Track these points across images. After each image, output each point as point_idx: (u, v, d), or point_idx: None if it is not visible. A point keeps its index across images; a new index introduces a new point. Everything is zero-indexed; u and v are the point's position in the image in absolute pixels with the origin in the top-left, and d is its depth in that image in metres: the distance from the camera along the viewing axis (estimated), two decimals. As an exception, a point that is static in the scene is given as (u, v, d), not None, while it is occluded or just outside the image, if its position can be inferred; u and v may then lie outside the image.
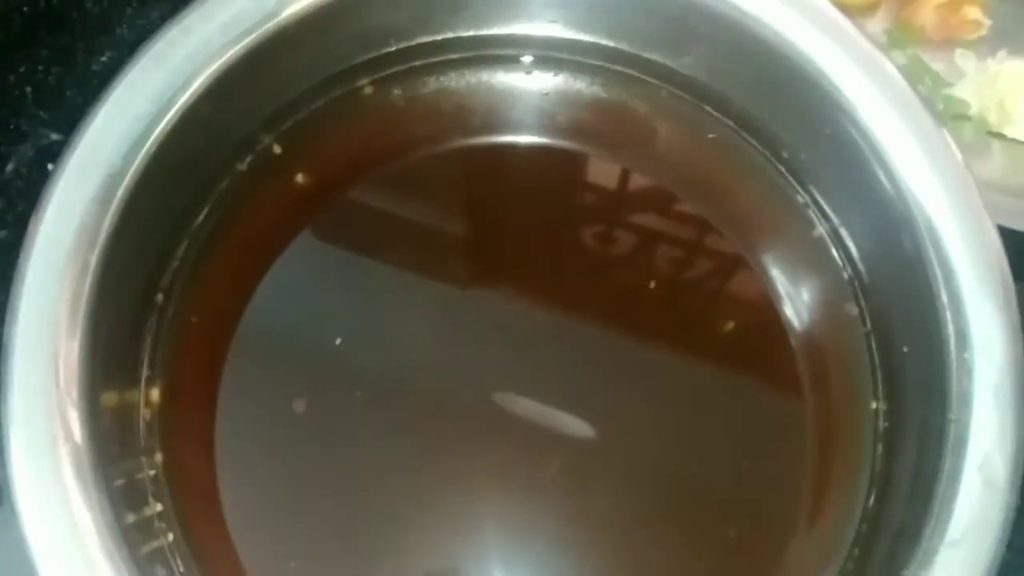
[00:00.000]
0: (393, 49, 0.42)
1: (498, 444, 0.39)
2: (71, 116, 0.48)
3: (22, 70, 0.50)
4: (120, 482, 0.34)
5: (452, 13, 0.41)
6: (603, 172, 0.44)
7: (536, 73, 0.43)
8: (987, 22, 0.52)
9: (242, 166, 0.41)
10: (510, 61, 0.43)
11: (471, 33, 0.42)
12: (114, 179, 0.34)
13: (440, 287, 0.42)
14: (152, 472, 0.37)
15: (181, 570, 0.36)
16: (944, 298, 0.34)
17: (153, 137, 0.35)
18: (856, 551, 0.37)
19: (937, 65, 0.51)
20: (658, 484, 0.39)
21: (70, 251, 0.33)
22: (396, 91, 0.43)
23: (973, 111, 0.50)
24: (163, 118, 0.35)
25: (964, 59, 0.52)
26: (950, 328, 0.34)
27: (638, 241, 0.43)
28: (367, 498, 0.38)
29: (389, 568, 0.37)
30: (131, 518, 0.34)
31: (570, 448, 0.39)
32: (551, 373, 0.40)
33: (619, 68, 0.43)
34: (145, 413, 0.38)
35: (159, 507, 0.37)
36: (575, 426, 0.39)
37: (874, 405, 0.39)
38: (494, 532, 0.38)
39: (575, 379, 0.40)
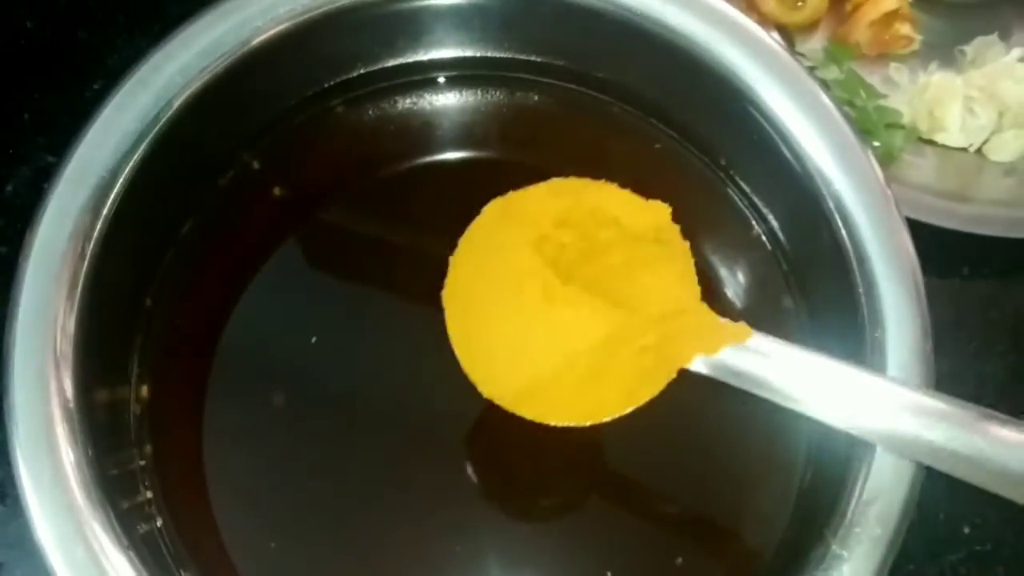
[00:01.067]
0: (362, 72, 0.46)
1: (464, 439, 0.42)
2: (66, 140, 0.51)
3: (20, 98, 0.53)
4: (114, 472, 0.37)
5: (414, 39, 0.45)
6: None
7: (493, 92, 0.47)
8: (918, 38, 0.55)
9: (223, 181, 0.44)
10: (470, 81, 0.47)
11: (432, 56, 0.46)
12: (104, 190, 0.37)
13: (407, 293, 0.44)
14: (142, 463, 0.40)
15: (171, 551, 0.39)
16: (859, 284, 0.38)
17: (139, 152, 0.38)
18: (796, 519, 0.40)
19: (872, 78, 0.55)
20: (632, 480, 0.42)
21: (64, 255, 0.36)
22: (367, 110, 0.47)
23: (906, 120, 0.54)
24: (148, 135, 0.38)
25: (897, 72, 0.55)
26: (865, 310, 0.38)
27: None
28: (342, 484, 0.41)
29: (364, 546, 0.40)
30: (125, 504, 0.37)
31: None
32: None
33: (572, 86, 0.47)
34: (135, 408, 0.41)
35: (149, 494, 0.40)
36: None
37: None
38: (464, 513, 0.41)
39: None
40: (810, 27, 0.56)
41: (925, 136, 0.54)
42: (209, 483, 0.40)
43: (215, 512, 0.40)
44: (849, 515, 0.35)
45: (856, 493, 0.35)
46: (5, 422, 0.35)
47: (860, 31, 0.55)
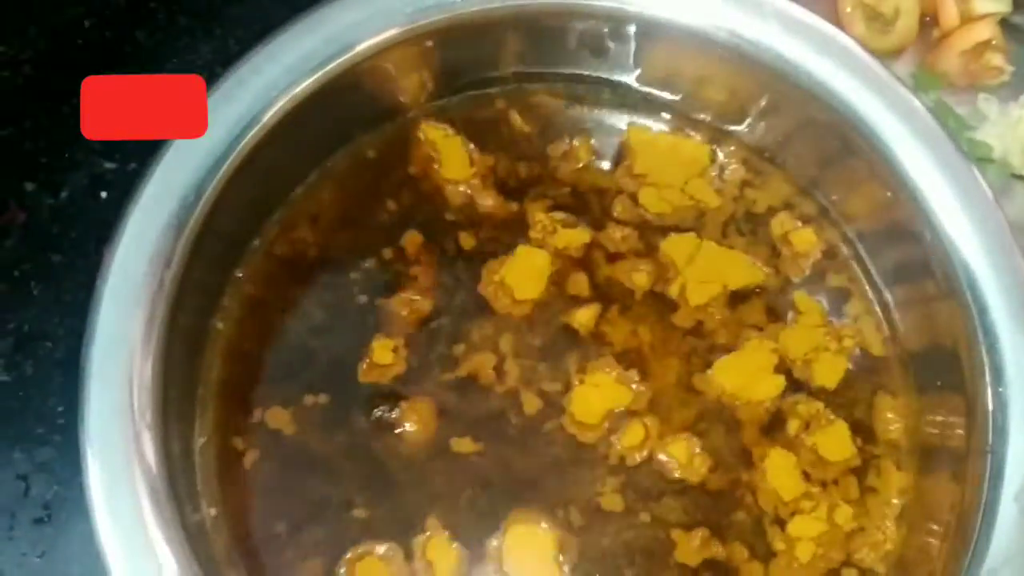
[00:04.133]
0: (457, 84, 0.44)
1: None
2: (123, 146, 0.49)
3: (76, 101, 0.51)
4: (183, 492, 0.36)
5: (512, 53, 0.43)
6: (675, 204, 0.45)
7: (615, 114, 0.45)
8: (1009, 68, 0.53)
9: (293, 197, 0.42)
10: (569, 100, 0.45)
11: (543, 70, 0.44)
12: (186, 210, 0.36)
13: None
14: (213, 512, 0.38)
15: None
16: (980, 335, 0.36)
17: (222, 171, 0.36)
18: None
19: (961, 109, 0.53)
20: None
21: (145, 277, 0.34)
22: (450, 129, 0.44)
23: (996, 154, 0.51)
24: (232, 153, 0.37)
25: (987, 104, 0.53)
26: (985, 363, 0.36)
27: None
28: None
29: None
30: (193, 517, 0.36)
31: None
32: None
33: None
34: (200, 438, 0.39)
35: (213, 511, 0.38)
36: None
37: (909, 436, 0.40)
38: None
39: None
40: (896, 53, 0.54)
41: (1017, 172, 0.51)
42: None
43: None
44: (976, 583, 0.33)
45: (979, 560, 0.33)
46: (80, 453, 0.33)
47: (950, 60, 0.53)
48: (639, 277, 0.43)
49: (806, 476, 0.40)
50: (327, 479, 0.39)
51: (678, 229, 0.43)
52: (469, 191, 0.43)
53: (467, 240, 0.43)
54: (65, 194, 0.50)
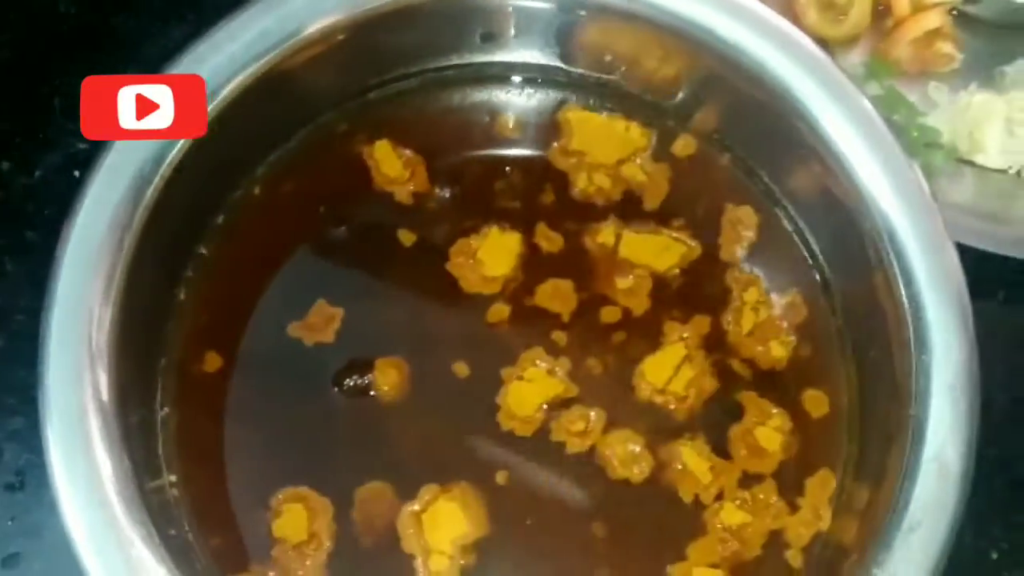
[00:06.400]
0: (403, 72, 0.45)
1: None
2: (96, 127, 0.51)
3: (51, 83, 0.53)
4: (141, 454, 0.37)
5: (459, 37, 0.44)
6: (605, 187, 0.45)
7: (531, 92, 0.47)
8: (959, 56, 0.55)
9: (258, 175, 0.44)
10: (506, 82, 0.47)
11: (483, 59, 0.45)
12: (143, 181, 0.37)
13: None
14: (173, 478, 0.40)
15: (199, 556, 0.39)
16: (905, 305, 0.37)
17: (180, 143, 0.38)
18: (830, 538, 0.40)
19: (912, 96, 0.54)
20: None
21: (103, 244, 0.36)
22: (405, 109, 0.46)
23: (945, 139, 0.53)
24: (190, 127, 0.38)
25: (937, 91, 0.55)
26: (911, 333, 0.37)
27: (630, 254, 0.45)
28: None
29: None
30: (150, 484, 0.37)
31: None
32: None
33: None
34: (162, 404, 0.41)
35: (172, 477, 0.39)
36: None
37: (848, 408, 0.42)
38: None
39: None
40: (850, 42, 0.55)
41: (964, 156, 0.53)
42: (234, 489, 0.40)
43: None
44: (891, 542, 0.34)
45: (899, 517, 0.34)
46: (39, 416, 0.34)
47: (901, 48, 0.54)
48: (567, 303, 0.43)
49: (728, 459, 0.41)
50: (295, 448, 0.41)
51: (608, 212, 0.44)
52: (411, 188, 0.45)
53: (423, 229, 0.44)
54: (39, 173, 0.51)
